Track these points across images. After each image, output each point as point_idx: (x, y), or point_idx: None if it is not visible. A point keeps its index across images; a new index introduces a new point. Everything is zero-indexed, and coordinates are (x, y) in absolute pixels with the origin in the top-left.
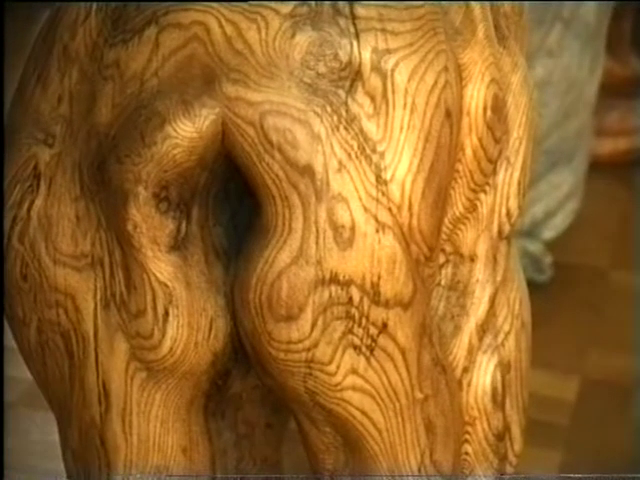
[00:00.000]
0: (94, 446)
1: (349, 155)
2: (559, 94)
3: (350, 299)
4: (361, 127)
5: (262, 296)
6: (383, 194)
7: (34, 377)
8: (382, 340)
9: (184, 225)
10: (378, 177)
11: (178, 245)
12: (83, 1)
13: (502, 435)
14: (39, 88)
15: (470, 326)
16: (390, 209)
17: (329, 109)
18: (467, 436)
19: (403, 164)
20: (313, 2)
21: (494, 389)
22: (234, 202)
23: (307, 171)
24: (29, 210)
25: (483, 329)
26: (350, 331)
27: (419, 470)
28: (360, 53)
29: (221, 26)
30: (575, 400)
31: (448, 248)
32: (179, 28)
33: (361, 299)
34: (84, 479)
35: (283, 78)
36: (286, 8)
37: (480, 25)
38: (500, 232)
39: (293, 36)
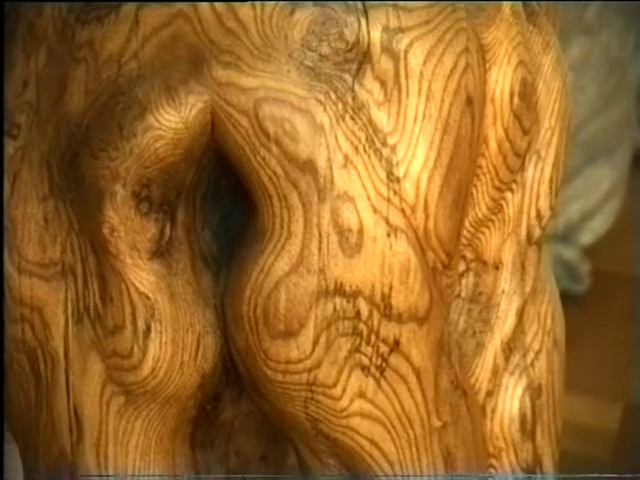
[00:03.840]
0: None
1: (356, 148)
2: (598, 77)
3: (357, 313)
4: (370, 117)
5: (257, 309)
6: (395, 193)
7: None
8: (394, 360)
9: (168, 228)
10: (389, 174)
11: (161, 251)
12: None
13: (532, 469)
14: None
15: (495, 344)
16: (403, 210)
17: (333, 96)
18: (492, 470)
19: (418, 159)
20: None
21: (523, 416)
22: (225, 202)
23: (308, 167)
24: None
25: (510, 347)
26: (357, 349)
27: None
28: (369, 32)
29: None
30: (617, 429)
31: (469, 255)
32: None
33: (370, 313)
34: None
35: (281, 61)
36: None
37: None
38: (529, 236)
39: (292, 13)
